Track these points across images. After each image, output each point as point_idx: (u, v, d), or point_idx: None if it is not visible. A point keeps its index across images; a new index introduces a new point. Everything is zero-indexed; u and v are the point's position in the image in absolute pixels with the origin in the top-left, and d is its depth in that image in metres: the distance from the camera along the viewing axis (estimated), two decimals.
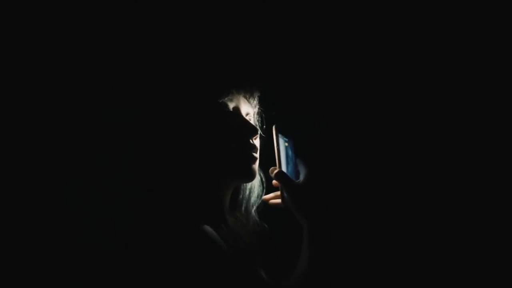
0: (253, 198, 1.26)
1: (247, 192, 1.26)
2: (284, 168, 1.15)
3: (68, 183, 1.72)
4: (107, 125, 1.74)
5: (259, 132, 1.19)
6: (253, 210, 1.26)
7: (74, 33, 1.69)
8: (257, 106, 1.24)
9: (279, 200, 1.20)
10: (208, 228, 1.05)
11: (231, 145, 1.13)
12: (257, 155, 1.18)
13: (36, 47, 1.68)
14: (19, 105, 1.70)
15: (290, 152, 1.20)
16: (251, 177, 1.17)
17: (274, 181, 1.20)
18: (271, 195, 1.24)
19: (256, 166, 1.18)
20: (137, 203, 1.16)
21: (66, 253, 1.68)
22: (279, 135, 1.18)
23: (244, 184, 1.25)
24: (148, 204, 1.12)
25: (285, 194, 1.13)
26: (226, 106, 1.15)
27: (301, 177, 1.13)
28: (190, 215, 1.06)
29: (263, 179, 1.25)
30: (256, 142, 1.18)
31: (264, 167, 1.21)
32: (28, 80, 1.70)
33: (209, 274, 0.99)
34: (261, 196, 1.26)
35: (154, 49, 1.73)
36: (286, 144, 1.20)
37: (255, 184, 1.25)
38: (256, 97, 1.22)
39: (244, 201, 1.25)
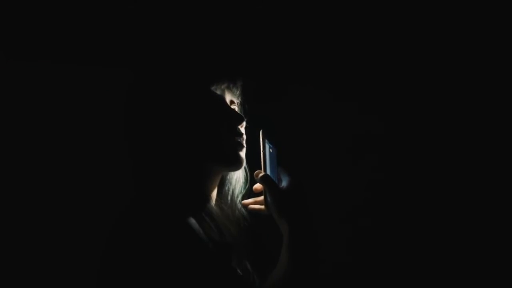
0: (237, 190, 1.26)
1: (233, 183, 1.26)
2: (268, 173, 1.15)
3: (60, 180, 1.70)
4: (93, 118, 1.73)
5: (245, 120, 1.19)
6: (238, 201, 1.26)
7: (49, 27, 1.67)
8: (240, 97, 1.24)
9: (258, 206, 1.21)
10: (190, 219, 1.05)
11: (218, 132, 1.14)
12: (244, 143, 1.19)
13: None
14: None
15: (274, 159, 1.21)
16: (239, 164, 1.17)
17: (255, 186, 1.20)
18: (251, 200, 1.24)
19: (243, 153, 1.18)
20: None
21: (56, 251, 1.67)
22: (266, 140, 1.18)
23: (229, 175, 1.25)
24: (134, 195, 1.12)
25: (269, 198, 1.12)
26: (212, 94, 1.15)
27: (284, 183, 1.14)
28: (173, 205, 1.06)
29: (248, 171, 1.26)
30: (242, 130, 1.19)
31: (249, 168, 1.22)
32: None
33: (186, 266, 0.99)
34: (246, 187, 1.26)
35: (138, 42, 1.72)
36: (271, 150, 1.20)
37: (240, 176, 1.26)
38: (239, 87, 1.23)
39: (230, 193, 1.26)
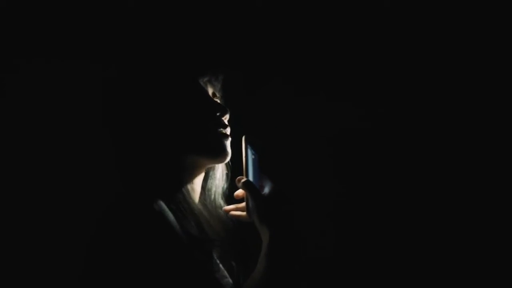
0: (221, 187, 1.26)
1: (216, 181, 1.25)
2: (251, 179, 1.14)
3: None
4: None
5: (228, 112, 1.19)
6: (220, 198, 1.25)
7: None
8: (222, 90, 1.24)
9: (239, 212, 1.19)
10: (168, 215, 1.05)
11: (203, 123, 1.14)
12: (229, 133, 1.18)
13: None
14: None
15: (256, 165, 1.20)
16: (225, 155, 1.16)
17: (236, 192, 1.19)
18: (232, 206, 1.22)
19: (228, 145, 1.17)
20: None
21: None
22: (248, 147, 1.17)
23: (213, 172, 1.25)
24: (118, 189, 1.12)
25: (250, 205, 1.11)
26: (195, 86, 1.15)
27: (266, 190, 1.13)
28: (153, 200, 1.05)
29: (230, 169, 1.25)
30: (226, 122, 1.19)
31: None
32: None
33: (158, 262, 0.98)
34: (227, 185, 1.25)
35: (121, 36, 1.71)
36: (253, 156, 1.19)
37: (224, 173, 1.25)
38: (221, 80, 1.23)
39: (213, 190, 1.25)
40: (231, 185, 1.25)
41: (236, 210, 1.21)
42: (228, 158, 1.17)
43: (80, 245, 1.07)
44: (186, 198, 1.15)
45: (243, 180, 1.13)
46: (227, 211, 1.22)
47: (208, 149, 1.14)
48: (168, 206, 1.07)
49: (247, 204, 1.12)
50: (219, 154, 1.15)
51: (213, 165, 1.22)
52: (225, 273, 1.13)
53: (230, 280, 1.13)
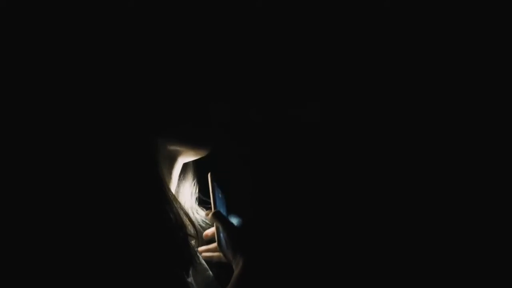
0: (191, 190, 1.24)
1: (192, 183, 1.25)
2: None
3: None
4: None
5: None
6: (196, 203, 1.25)
7: None
8: None
9: (211, 253, 1.18)
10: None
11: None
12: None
13: None
14: None
15: (224, 203, 1.21)
16: (208, 146, 1.15)
17: (205, 232, 1.18)
18: (203, 248, 1.21)
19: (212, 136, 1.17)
20: None
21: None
22: (215, 184, 1.17)
23: (183, 174, 1.22)
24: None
25: (222, 236, 1.11)
26: None
27: (235, 223, 1.13)
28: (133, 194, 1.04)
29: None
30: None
31: None
32: None
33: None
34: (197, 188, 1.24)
35: None
36: (220, 195, 1.20)
37: (193, 176, 1.24)
38: None
39: (185, 190, 1.24)
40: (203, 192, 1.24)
41: (207, 251, 1.19)
42: (209, 150, 1.16)
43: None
44: (165, 185, 1.12)
45: (212, 212, 1.12)
46: (200, 252, 1.20)
47: (191, 139, 1.13)
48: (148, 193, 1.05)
49: (218, 236, 1.11)
50: (202, 145, 1.15)
51: (189, 160, 1.20)
52: (206, 265, 1.13)
53: (211, 273, 1.14)
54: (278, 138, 1.90)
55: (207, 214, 1.15)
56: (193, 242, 1.12)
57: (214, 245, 1.15)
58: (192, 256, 1.06)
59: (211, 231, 1.18)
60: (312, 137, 1.93)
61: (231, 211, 1.19)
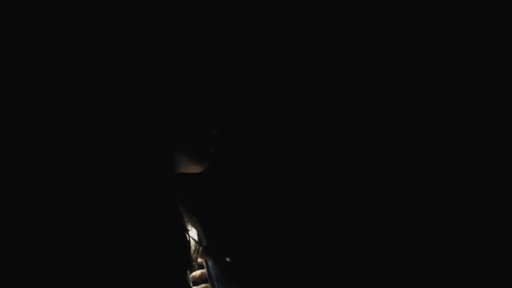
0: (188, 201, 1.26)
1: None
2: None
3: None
4: None
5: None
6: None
7: None
8: None
9: None
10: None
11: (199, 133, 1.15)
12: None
13: None
14: None
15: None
16: (206, 161, 1.17)
17: (192, 274, 1.17)
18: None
19: (211, 155, 1.19)
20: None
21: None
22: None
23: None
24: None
25: (212, 269, 1.12)
26: None
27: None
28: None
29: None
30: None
31: None
32: None
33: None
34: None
35: None
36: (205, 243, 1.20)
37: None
38: None
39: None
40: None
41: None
42: (206, 165, 1.18)
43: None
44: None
45: (203, 246, 1.14)
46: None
47: (194, 153, 1.15)
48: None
49: (208, 271, 1.12)
50: (202, 160, 1.17)
51: (186, 171, 1.22)
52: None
53: None
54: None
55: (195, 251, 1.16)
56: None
57: (203, 285, 1.16)
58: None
59: (198, 273, 1.18)
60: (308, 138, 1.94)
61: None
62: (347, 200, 1.98)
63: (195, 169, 1.19)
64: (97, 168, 1.09)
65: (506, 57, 1.94)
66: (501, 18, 1.90)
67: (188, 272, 1.09)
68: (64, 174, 1.14)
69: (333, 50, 1.94)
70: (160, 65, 1.19)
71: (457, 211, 1.99)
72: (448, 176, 1.98)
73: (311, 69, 1.95)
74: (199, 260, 1.17)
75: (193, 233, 1.19)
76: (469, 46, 1.94)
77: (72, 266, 1.01)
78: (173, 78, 1.17)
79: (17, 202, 1.19)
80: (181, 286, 1.02)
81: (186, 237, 1.07)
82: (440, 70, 1.98)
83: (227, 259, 1.13)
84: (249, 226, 1.80)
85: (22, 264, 1.10)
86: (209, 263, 1.13)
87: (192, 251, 1.14)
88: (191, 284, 1.07)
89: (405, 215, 1.99)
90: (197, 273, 1.18)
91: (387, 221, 2.00)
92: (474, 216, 2.00)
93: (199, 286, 1.17)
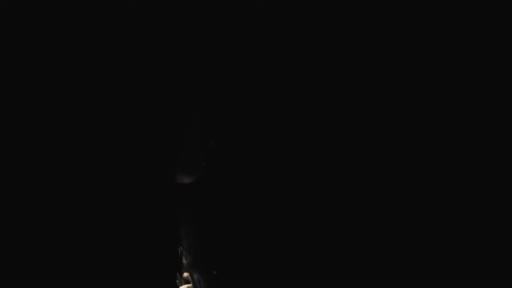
0: None
1: None
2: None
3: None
4: None
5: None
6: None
7: None
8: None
9: None
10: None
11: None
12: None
13: None
14: None
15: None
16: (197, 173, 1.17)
17: None
18: None
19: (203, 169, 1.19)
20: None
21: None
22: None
23: None
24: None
25: (200, 283, 1.11)
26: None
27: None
28: None
29: None
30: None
31: None
32: None
33: None
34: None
35: None
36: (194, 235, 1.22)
37: None
38: None
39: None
40: None
41: None
42: (195, 178, 1.17)
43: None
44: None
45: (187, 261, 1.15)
46: None
47: (185, 164, 1.14)
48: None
49: (194, 285, 1.12)
50: (191, 173, 1.16)
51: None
52: None
53: None
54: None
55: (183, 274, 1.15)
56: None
57: None
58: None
59: (185, 287, 1.18)
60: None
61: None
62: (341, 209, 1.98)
63: (182, 179, 1.18)
64: (96, 171, 1.09)
65: (506, 57, 1.94)
66: (501, 18, 1.90)
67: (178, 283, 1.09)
68: (62, 178, 1.13)
69: (333, 50, 1.94)
70: (160, 65, 1.19)
71: (457, 211, 1.99)
72: (448, 176, 1.98)
73: (311, 69, 1.95)
74: (185, 274, 1.16)
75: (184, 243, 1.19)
76: (469, 46, 1.94)
77: (61, 267, 1.01)
78: (173, 78, 1.16)
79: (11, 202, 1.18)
80: None
81: (177, 250, 1.07)
82: (440, 70, 1.98)
83: (214, 272, 1.13)
84: (236, 239, 1.80)
85: (17, 263, 1.10)
86: (195, 276, 1.12)
87: (181, 264, 1.14)
88: None
89: (405, 215, 1.99)
90: (183, 287, 1.17)
91: (387, 221, 2.00)
92: (474, 216, 2.00)
93: None
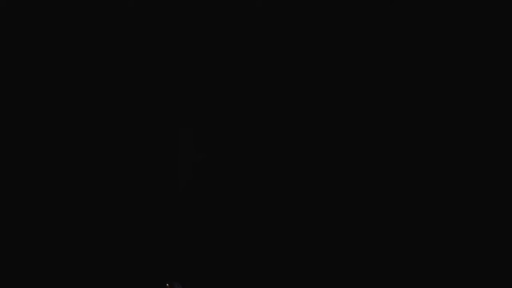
0: None
1: None
2: None
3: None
4: None
5: None
6: None
7: None
8: None
9: None
10: None
11: None
12: None
13: None
14: None
15: None
16: None
17: None
18: None
19: None
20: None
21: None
22: None
23: None
24: None
25: None
26: None
27: None
28: None
29: None
30: None
31: None
32: None
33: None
34: None
35: None
36: None
37: None
38: None
39: None
40: None
41: None
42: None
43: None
44: None
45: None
46: None
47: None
48: None
49: None
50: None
51: None
52: None
53: None
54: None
55: None
56: None
57: None
58: None
59: None
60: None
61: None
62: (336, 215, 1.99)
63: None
64: (95, 173, 1.10)
65: (506, 57, 1.94)
66: (501, 18, 1.90)
67: None
68: (60, 178, 1.14)
69: (333, 50, 1.94)
70: (160, 66, 1.20)
71: (457, 211, 1.99)
72: (448, 176, 1.98)
73: (311, 69, 1.95)
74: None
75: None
76: (469, 46, 1.94)
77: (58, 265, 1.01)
78: (173, 79, 1.17)
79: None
80: None
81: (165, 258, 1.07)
82: (440, 70, 1.98)
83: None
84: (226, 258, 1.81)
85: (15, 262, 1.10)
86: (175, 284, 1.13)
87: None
88: None
89: (405, 215, 1.99)
90: None
91: (387, 221, 2.00)
92: (474, 216, 2.00)
93: None
